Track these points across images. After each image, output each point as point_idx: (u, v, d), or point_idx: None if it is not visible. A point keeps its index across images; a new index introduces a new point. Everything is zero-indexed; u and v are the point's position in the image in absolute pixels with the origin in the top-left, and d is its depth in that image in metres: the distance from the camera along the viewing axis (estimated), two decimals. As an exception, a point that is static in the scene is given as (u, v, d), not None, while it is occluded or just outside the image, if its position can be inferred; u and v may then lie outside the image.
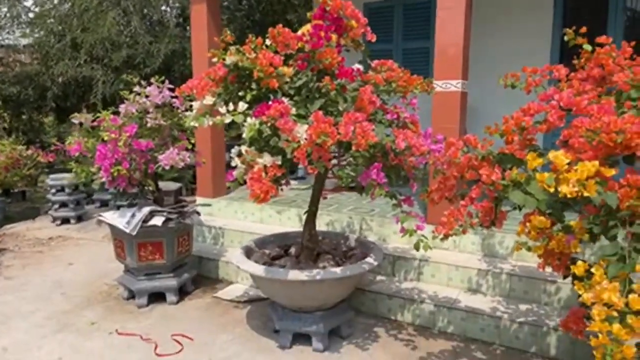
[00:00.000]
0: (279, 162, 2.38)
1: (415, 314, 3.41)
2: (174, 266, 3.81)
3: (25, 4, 8.11)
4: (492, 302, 3.34)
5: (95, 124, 3.46)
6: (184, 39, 8.03)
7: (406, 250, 3.88)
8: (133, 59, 7.31)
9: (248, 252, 3.26)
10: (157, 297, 3.79)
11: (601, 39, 2.31)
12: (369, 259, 2.98)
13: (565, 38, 2.42)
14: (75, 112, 9.99)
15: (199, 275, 4.19)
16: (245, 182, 2.62)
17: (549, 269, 3.38)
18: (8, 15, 8.05)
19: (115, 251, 3.80)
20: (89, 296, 3.97)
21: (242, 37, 8.01)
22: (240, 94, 2.62)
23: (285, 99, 2.51)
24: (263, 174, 2.34)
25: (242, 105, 2.51)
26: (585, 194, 1.59)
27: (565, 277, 2.20)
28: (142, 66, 7.22)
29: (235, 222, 4.90)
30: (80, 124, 3.67)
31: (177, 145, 3.50)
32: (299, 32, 2.75)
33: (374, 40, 2.61)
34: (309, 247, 3.13)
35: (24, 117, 9.65)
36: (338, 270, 2.81)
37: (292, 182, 6.24)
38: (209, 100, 2.66)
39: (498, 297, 3.40)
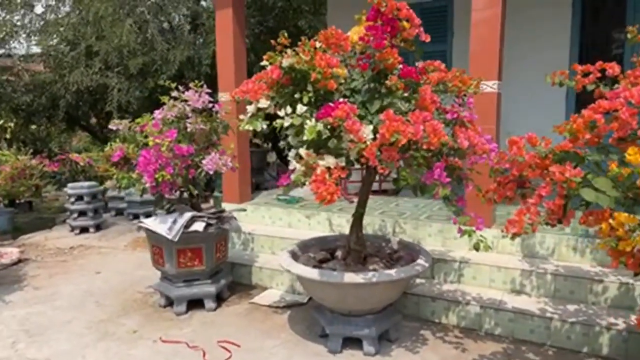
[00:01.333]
0: (343, 164, 2.37)
1: (460, 316, 3.39)
2: (212, 272, 3.78)
3: (37, 11, 8.08)
4: (538, 302, 3.32)
5: (138, 129, 3.43)
6: (197, 46, 8.03)
7: (444, 252, 3.86)
8: (148, 66, 7.29)
9: (294, 256, 3.23)
10: (194, 304, 3.75)
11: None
12: (420, 261, 2.96)
13: (628, 35, 2.42)
14: (85, 121, 9.95)
15: (232, 282, 4.15)
16: (301, 185, 2.62)
17: (594, 269, 3.40)
18: (19, 23, 8.02)
19: (153, 258, 3.76)
20: (123, 304, 3.92)
21: (256, 43, 7.98)
22: (296, 96, 2.61)
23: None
24: (327, 176, 2.33)
25: (300, 108, 2.50)
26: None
27: (637, 274, 2.18)
28: (159, 73, 7.20)
29: (264, 227, 4.87)
30: (117, 130, 3.64)
31: (218, 150, 3.47)
32: (349, 34, 2.76)
33: (428, 40, 2.61)
34: (356, 249, 3.11)
35: (33, 126, 9.59)
36: (392, 272, 2.79)
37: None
38: (263, 103, 2.65)
39: (544, 298, 3.39)
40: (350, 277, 2.72)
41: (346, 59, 2.66)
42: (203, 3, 8.34)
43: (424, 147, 2.15)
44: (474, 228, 2.56)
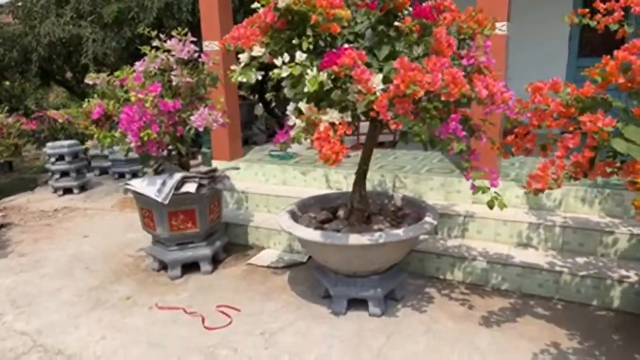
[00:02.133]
0: (349, 119, 2.14)
1: (466, 272, 3.29)
2: (207, 234, 3.60)
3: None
4: (546, 256, 3.23)
5: (117, 83, 3.13)
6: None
7: (447, 207, 3.72)
8: (124, 13, 6.77)
9: (293, 216, 3.05)
10: (190, 267, 3.59)
11: None
12: (427, 219, 2.81)
13: None
14: (60, 75, 9.39)
15: (228, 243, 3.99)
16: (299, 142, 2.40)
17: (603, 220, 3.29)
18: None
19: (143, 221, 3.56)
20: (115, 269, 3.75)
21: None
22: (294, 42, 2.33)
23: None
24: (331, 133, 2.11)
25: (300, 55, 2.23)
26: None
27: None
28: (136, 21, 6.70)
29: (257, 185, 4.67)
30: (95, 85, 3.33)
31: (207, 105, 3.20)
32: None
33: (440, -24, 2.32)
34: (360, 208, 2.94)
35: (7, 83, 9.04)
36: (400, 232, 2.63)
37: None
38: (257, 51, 2.37)
39: (552, 251, 3.29)
40: (355, 239, 2.56)
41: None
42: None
43: (443, 98, 1.93)
44: (487, 184, 2.38)
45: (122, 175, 6.81)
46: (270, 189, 4.51)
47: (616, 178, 2.17)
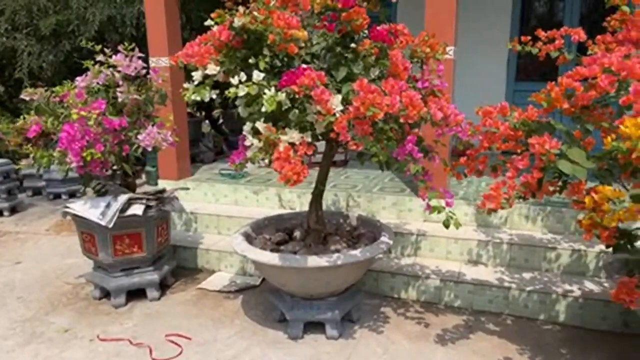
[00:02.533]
0: (309, 139, 2.11)
1: (420, 290, 3.32)
2: (154, 258, 3.42)
3: None
4: (495, 272, 3.33)
5: (57, 100, 2.93)
6: (118, 4, 7.21)
7: (399, 225, 3.77)
8: (63, 26, 6.43)
9: (248, 238, 2.96)
10: (135, 294, 3.39)
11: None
12: (384, 238, 2.81)
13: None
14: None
15: (176, 267, 3.81)
16: (256, 162, 2.35)
17: (546, 236, 3.44)
18: None
19: (84, 246, 3.33)
20: (51, 299, 3.47)
21: (190, 3, 7.29)
22: (250, 61, 2.29)
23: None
24: (291, 153, 2.07)
25: (257, 75, 2.19)
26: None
27: (609, 246, 2.16)
28: (76, 34, 6.39)
29: (207, 205, 4.53)
30: (31, 100, 3.11)
31: (155, 123, 3.07)
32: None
33: (394, 0, 2.37)
34: (316, 229, 2.90)
35: None
36: (358, 252, 2.62)
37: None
38: (212, 69, 2.30)
39: (500, 267, 3.40)
40: (313, 261, 2.52)
41: (305, 19, 2.36)
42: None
43: (401, 120, 1.95)
44: (443, 204, 2.42)
45: (57, 196, 6.40)
46: (220, 209, 4.38)
47: (557, 196, 2.28)
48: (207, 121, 11.13)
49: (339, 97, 2.01)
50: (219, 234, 4.21)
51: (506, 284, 3.14)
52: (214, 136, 8.86)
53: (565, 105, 2.04)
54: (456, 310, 3.20)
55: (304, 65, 2.20)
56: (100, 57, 3.10)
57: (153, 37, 4.49)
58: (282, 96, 2.10)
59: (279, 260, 2.55)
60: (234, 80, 2.19)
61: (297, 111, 2.22)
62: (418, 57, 2.46)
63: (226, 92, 2.21)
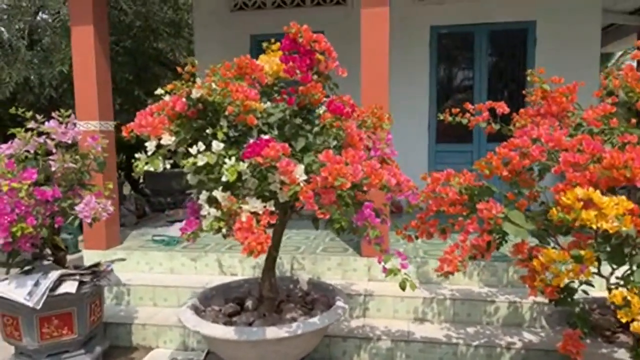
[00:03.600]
0: (272, 208, 2.11)
1: (372, 353, 3.31)
2: (86, 340, 3.10)
3: None
4: (441, 329, 3.42)
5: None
6: (34, 65, 6.90)
7: (346, 286, 3.78)
8: (-29, 87, 5.99)
9: (197, 311, 2.81)
10: (62, 382, 3.02)
11: (555, 79, 2.59)
12: (339, 303, 2.80)
13: (528, 78, 2.65)
14: None
15: (109, 346, 3.48)
16: (212, 232, 2.28)
17: (483, 290, 3.63)
18: None
19: (4, 331, 2.94)
20: (-44, 397, 2.99)
21: (113, 64, 7.20)
22: (208, 131, 2.28)
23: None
24: (254, 223, 2.05)
25: (216, 145, 2.18)
26: (624, 228, 1.70)
27: (552, 301, 2.33)
28: (-13, 96, 5.96)
29: (140, 275, 4.24)
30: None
31: (92, 192, 2.90)
32: (260, 64, 2.54)
33: (344, 75, 2.52)
34: (270, 297, 2.83)
35: None
36: (317, 320, 2.58)
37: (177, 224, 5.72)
38: (167, 139, 2.26)
39: (445, 324, 3.50)
40: (273, 332, 2.43)
41: (263, 91, 2.42)
42: (44, 16, 7.22)
43: (365, 188, 2.03)
44: (398, 267, 2.49)
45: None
46: (156, 278, 4.13)
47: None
48: (126, 182, 10.64)
49: (302, 167, 2.05)
50: (155, 305, 3.94)
51: (454, 340, 3.23)
52: (135, 198, 8.48)
53: (505, 173, 2.25)
54: (408, 371, 3.22)
55: (263, 136, 2.23)
56: (31, 124, 2.91)
57: (82, 102, 4.31)
58: (243, 166, 2.10)
59: (235, 334, 2.43)
60: (193, 150, 2.16)
61: (255, 180, 2.22)
62: (366, 127, 2.60)
63: (183, 161, 2.17)
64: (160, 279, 4.10)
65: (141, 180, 10.71)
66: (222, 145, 2.18)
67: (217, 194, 2.18)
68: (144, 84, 8.29)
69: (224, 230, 2.25)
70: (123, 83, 7.16)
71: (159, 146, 2.30)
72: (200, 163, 2.14)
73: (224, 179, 2.11)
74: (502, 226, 2.21)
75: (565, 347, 2.15)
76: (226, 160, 2.14)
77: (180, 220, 5.77)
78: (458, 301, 3.52)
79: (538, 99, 2.66)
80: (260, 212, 2.08)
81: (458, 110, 3.17)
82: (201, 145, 2.18)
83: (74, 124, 3.01)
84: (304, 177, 2.04)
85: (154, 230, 5.44)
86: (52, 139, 2.90)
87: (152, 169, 2.25)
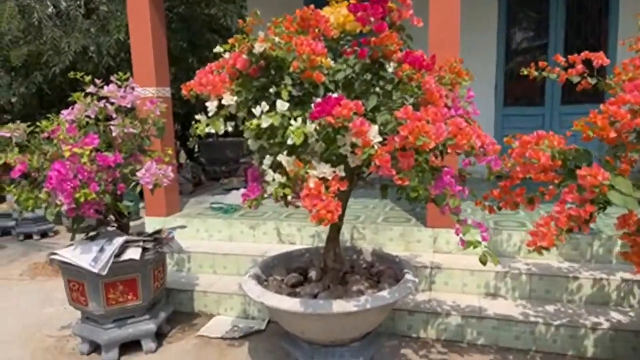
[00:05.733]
0: (342, 173, 1.92)
1: (440, 328, 3.12)
2: (150, 305, 3.11)
3: None
4: (516, 306, 3.17)
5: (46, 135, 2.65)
6: (92, 33, 6.96)
7: (410, 258, 3.57)
8: (35, 57, 6.12)
9: (259, 280, 2.71)
10: (128, 346, 3.06)
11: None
12: (408, 276, 2.61)
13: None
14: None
15: (172, 312, 3.50)
16: (277, 199, 2.13)
17: (564, 265, 3.32)
18: None
19: (71, 296, 2.99)
20: (33, 354, 3.10)
21: (167, 31, 7.16)
22: (271, 90, 2.10)
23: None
24: (322, 189, 1.87)
25: (281, 105, 2.00)
26: None
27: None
28: (50, 65, 6.07)
29: (200, 242, 4.24)
30: (10, 138, 2.82)
31: (152, 157, 2.83)
32: (325, 15, 2.31)
33: (420, 24, 2.25)
34: (335, 268, 2.68)
35: None
36: (386, 294, 2.41)
37: (243, 189, 5.67)
38: (228, 99, 2.10)
39: (520, 300, 3.24)
40: (340, 306, 2.29)
41: (328, 46, 2.20)
42: (99, -16, 7.25)
43: (449, 150, 1.80)
44: (479, 239, 2.25)
45: (29, 236, 5.98)
46: (215, 246, 4.10)
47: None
48: (181, 151, 10.81)
49: (376, 127, 1.84)
50: (215, 273, 3.93)
51: (532, 319, 2.98)
52: (192, 167, 8.59)
53: (612, 134, 1.93)
54: (480, 349, 3.01)
55: (331, 95, 2.02)
56: (90, 89, 2.85)
57: (139, 68, 4.26)
58: (310, 127, 1.92)
59: (300, 306, 2.31)
60: (256, 111, 1.99)
61: (322, 143, 2.03)
62: (443, 83, 2.32)
63: (247, 123, 2.01)
64: (219, 247, 4.07)
65: (196, 150, 10.88)
66: (286, 105, 1.99)
67: (282, 158, 2.02)
68: (197, 52, 8.25)
69: (289, 197, 2.10)
70: (177, 51, 7.11)
71: (220, 107, 2.16)
72: (265, 125, 1.97)
73: (289, 142, 1.93)
74: (609, 195, 1.91)
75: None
76: (292, 121, 1.96)
77: (237, 188, 5.73)
78: (535, 276, 3.24)
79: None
80: (330, 178, 1.90)
81: (546, 64, 2.80)
82: (265, 106, 2.01)
83: (132, 88, 2.92)
84: (379, 138, 1.82)
85: (211, 198, 5.43)
86: (112, 104, 2.83)
87: (212, 130, 2.11)
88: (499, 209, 2.35)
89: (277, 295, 2.44)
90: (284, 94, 2.04)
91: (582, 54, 2.60)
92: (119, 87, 2.88)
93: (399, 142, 1.69)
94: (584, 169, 1.90)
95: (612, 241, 3.36)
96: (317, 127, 1.89)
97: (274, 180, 2.07)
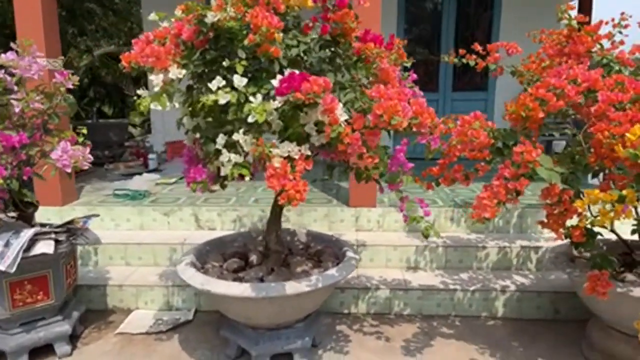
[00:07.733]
0: (307, 152, 1.89)
1: (370, 302, 3.26)
2: (62, 305, 2.77)
3: None
4: (435, 276, 3.43)
5: None
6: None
7: (336, 236, 3.66)
8: None
9: (197, 269, 2.56)
10: (38, 352, 2.70)
11: (579, 17, 2.50)
12: (349, 254, 2.68)
13: (559, 15, 2.52)
14: None
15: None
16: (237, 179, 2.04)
17: (471, 237, 3.66)
18: None
19: (-36, 301, 2.53)
20: None
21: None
22: (224, 64, 1.97)
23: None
24: (289, 168, 1.82)
25: (239, 80, 1.89)
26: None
27: (575, 243, 2.34)
28: None
29: (106, 232, 3.84)
30: None
31: (66, 137, 2.49)
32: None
33: (367, 4, 2.27)
34: (277, 250, 2.64)
35: None
36: (334, 272, 2.44)
37: (146, 174, 5.30)
38: (176, 72, 1.92)
39: (438, 271, 3.51)
40: (293, 287, 2.26)
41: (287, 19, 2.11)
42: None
43: (414, 129, 1.85)
44: (421, 214, 2.38)
45: None
46: (126, 236, 3.78)
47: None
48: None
49: (341, 105, 1.83)
50: (128, 265, 3.62)
51: (451, 286, 3.25)
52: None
53: (541, 115, 2.16)
54: (407, 318, 3.21)
55: (292, 70, 1.96)
56: (-18, 56, 2.40)
57: (24, 37, 3.69)
58: (272, 105, 1.84)
59: (252, 291, 2.24)
60: (212, 86, 1.86)
61: (280, 122, 1.97)
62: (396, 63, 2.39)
63: (202, 99, 1.86)
64: (131, 236, 3.76)
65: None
66: (245, 80, 1.89)
67: (239, 137, 1.92)
68: (77, 22, 7.41)
69: (247, 179, 2.01)
70: (84, 15, 6.31)
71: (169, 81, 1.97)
72: (222, 101, 1.85)
73: (250, 119, 1.84)
74: (537, 170, 2.15)
75: (594, 288, 2.18)
76: (251, 98, 1.86)
77: (140, 173, 5.32)
78: (450, 248, 3.53)
79: (562, 38, 2.57)
80: (296, 157, 1.85)
81: (464, 52, 3.03)
82: (220, 81, 1.88)
83: (35, 57, 2.52)
84: (345, 116, 1.82)
85: (108, 184, 4.97)
86: (12, 75, 2.42)
87: (158, 107, 1.93)
88: (437, 184, 2.51)
89: (223, 281, 2.34)
90: (239, 68, 1.93)
91: (499, 42, 2.86)
92: (18, 54, 2.47)
93: (372, 121, 1.70)
94: (520, 146, 2.11)
95: (510, 213, 3.78)
96: (282, 104, 1.82)
97: (229, 160, 1.96)
